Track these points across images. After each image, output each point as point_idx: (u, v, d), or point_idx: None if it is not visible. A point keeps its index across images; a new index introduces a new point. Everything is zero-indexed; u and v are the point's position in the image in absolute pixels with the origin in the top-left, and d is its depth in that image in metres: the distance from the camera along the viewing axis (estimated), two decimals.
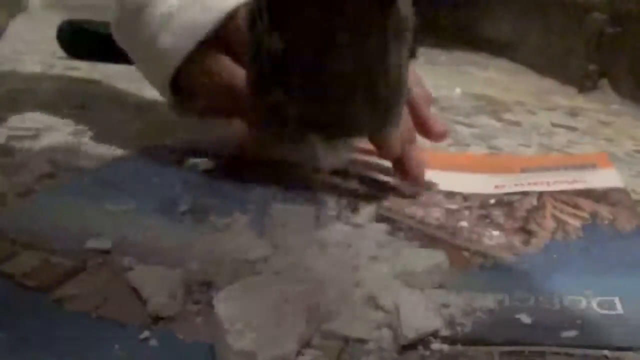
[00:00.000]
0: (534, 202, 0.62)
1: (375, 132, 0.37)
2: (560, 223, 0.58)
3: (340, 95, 0.35)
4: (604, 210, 0.60)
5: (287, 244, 0.48)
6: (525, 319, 0.42)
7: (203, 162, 0.66)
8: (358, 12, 0.34)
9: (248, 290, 0.38)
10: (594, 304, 0.44)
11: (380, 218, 0.57)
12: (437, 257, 0.46)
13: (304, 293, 0.39)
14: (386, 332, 0.40)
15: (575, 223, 0.57)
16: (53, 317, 0.40)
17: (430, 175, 0.69)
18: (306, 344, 0.39)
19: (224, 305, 0.37)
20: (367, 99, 0.36)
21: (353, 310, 0.41)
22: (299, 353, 0.38)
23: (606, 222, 0.58)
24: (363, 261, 0.47)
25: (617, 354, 0.39)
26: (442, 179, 0.69)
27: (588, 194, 0.64)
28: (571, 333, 0.41)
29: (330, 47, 0.34)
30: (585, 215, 0.59)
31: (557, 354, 0.39)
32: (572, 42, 1.26)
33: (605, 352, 0.39)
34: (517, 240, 0.54)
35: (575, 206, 0.61)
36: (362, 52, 0.34)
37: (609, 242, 0.54)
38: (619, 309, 0.44)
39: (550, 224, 0.57)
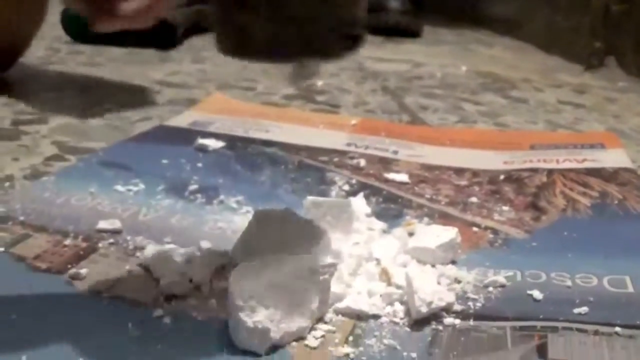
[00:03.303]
0: (544, 179, 0.62)
1: (340, 54, 0.39)
2: (570, 201, 0.57)
3: (306, 17, 0.37)
4: (613, 190, 0.60)
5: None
6: (537, 295, 0.42)
7: (212, 142, 0.66)
8: None
9: (262, 268, 0.38)
10: (605, 282, 0.44)
11: (389, 196, 0.57)
12: (449, 233, 0.46)
13: (317, 270, 0.38)
14: (399, 307, 0.40)
15: (585, 201, 0.57)
16: (66, 298, 0.40)
17: (438, 151, 0.69)
18: (319, 320, 0.39)
19: (238, 282, 0.37)
20: (332, 22, 0.38)
21: (366, 286, 0.41)
22: (312, 329, 0.38)
23: (616, 201, 0.58)
24: (375, 238, 0.47)
25: (629, 331, 0.39)
26: (451, 155, 0.69)
27: (597, 173, 0.64)
28: (582, 309, 0.41)
29: None
30: (595, 194, 0.59)
31: (570, 329, 0.39)
32: (578, 20, 1.25)
33: (617, 329, 0.39)
34: (527, 216, 0.54)
35: (585, 185, 0.61)
36: None
37: (619, 221, 0.54)
38: (630, 287, 0.44)
39: (560, 201, 0.57)
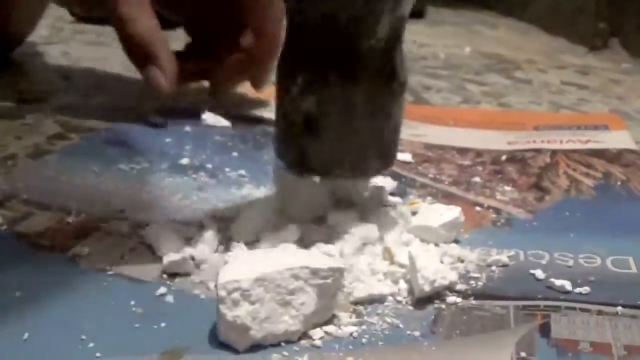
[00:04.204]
0: (547, 159, 0.62)
1: (378, 173, 0.47)
2: (574, 181, 0.57)
3: (357, 143, 0.43)
4: (617, 171, 0.60)
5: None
6: (540, 274, 0.42)
7: (216, 121, 0.66)
8: (370, 83, 0.43)
9: (257, 260, 0.36)
10: (608, 263, 0.44)
11: (392, 175, 0.57)
12: (452, 212, 0.46)
13: (318, 272, 0.36)
14: (402, 286, 0.40)
15: (588, 182, 0.57)
16: (68, 276, 0.40)
17: (441, 130, 0.69)
18: (317, 326, 0.37)
19: (226, 272, 0.35)
20: (377, 146, 0.44)
21: (369, 265, 0.41)
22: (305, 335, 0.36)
23: (619, 182, 0.58)
24: (379, 217, 0.47)
25: (631, 311, 0.39)
26: (454, 135, 0.69)
27: (601, 154, 0.64)
28: (585, 289, 0.41)
29: (351, 110, 0.43)
30: (599, 175, 0.59)
31: (573, 309, 0.39)
32: (582, 1, 1.25)
33: (619, 308, 0.39)
34: (530, 196, 0.54)
35: (589, 165, 0.61)
36: (374, 112, 0.43)
37: (623, 202, 0.54)
38: (633, 268, 0.44)
39: (563, 181, 0.57)
